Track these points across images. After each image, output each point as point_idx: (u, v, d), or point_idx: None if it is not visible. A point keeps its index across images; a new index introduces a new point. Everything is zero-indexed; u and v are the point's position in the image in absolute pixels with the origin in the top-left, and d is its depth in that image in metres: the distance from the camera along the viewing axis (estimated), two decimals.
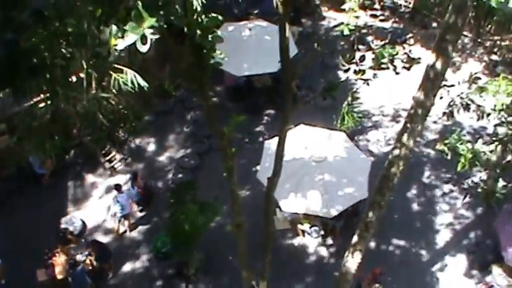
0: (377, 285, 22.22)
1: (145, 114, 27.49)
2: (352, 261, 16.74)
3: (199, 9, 11.42)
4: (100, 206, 26.09)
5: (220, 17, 11.76)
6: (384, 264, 23.20)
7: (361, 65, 32.23)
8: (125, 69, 11.52)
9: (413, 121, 13.17)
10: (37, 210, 25.49)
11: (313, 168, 23.37)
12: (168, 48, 12.00)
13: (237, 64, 27.76)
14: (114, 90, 12.53)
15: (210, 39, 11.39)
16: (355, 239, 16.34)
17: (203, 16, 11.51)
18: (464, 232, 25.33)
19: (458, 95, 21.20)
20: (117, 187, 24.54)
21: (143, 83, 12.18)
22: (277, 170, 14.85)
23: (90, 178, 27.30)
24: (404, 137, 13.56)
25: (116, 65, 11.87)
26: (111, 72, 11.45)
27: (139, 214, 26.03)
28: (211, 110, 13.55)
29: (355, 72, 31.79)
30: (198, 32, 11.34)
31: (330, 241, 25.02)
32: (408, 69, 32.01)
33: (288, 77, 14.20)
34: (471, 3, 12.15)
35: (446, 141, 21.76)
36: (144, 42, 7.75)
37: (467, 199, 24.75)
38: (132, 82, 11.93)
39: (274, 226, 15.81)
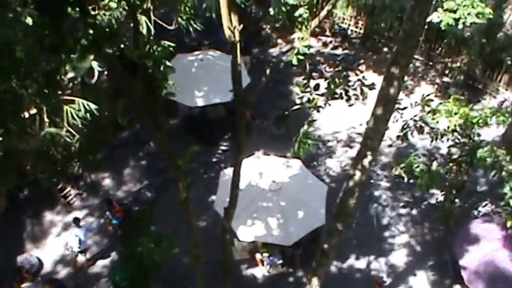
0: None
1: (100, 148, 27.22)
2: (315, 280, 16.63)
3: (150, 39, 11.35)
4: (57, 243, 25.58)
5: (172, 47, 11.69)
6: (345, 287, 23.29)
7: (316, 94, 32.32)
8: (76, 99, 11.32)
9: (367, 146, 13.16)
10: None
11: (270, 197, 23.32)
12: (121, 81, 11.89)
13: (190, 95, 27.72)
14: (67, 125, 12.30)
15: (161, 69, 11.29)
16: (314, 266, 16.25)
17: (155, 47, 11.42)
18: (423, 253, 25.42)
19: (412, 118, 21.38)
20: (76, 221, 24.12)
21: (96, 110, 11.94)
22: (233, 200, 14.74)
23: (47, 215, 26.77)
24: (360, 162, 13.54)
25: (67, 97, 11.66)
26: (63, 105, 11.23)
27: (100, 247, 25.62)
28: (165, 143, 13.40)
29: (309, 100, 31.85)
30: (150, 63, 11.23)
31: (289, 269, 24.86)
32: (361, 94, 32.16)
33: (240, 106, 14.15)
34: (421, 28, 12.22)
35: (402, 165, 21.92)
36: (91, 74, 7.62)
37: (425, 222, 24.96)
38: (85, 110, 11.66)
39: (233, 256, 15.64)
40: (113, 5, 12.76)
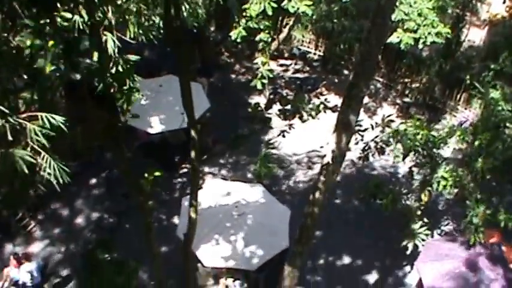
0: None
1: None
2: None
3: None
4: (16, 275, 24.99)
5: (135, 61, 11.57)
6: None
7: (268, 114, 32.46)
8: (38, 114, 10.93)
9: (328, 168, 13.14)
10: None
11: (233, 222, 23.15)
12: (80, 107, 11.69)
13: (150, 121, 27.55)
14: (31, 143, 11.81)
15: (126, 91, 11.18)
16: None
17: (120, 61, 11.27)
18: (389, 274, 25.45)
19: (373, 139, 21.48)
20: (27, 256, 23.62)
21: (62, 124, 11.46)
22: (191, 225, 14.58)
23: (6, 246, 26.15)
24: (320, 185, 13.51)
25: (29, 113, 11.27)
26: (24, 123, 10.83)
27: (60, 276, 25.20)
28: (128, 167, 13.21)
29: (261, 120, 32.00)
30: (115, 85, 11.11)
31: None
32: (321, 116, 32.34)
33: (194, 129, 14.05)
34: (378, 49, 12.26)
35: (365, 188, 22.01)
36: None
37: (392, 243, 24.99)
38: (50, 125, 11.19)
39: (195, 282, 15.45)
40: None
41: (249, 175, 28.08)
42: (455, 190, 20.30)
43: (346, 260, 26.06)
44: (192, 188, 14.75)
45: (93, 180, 29.17)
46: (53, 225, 27.13)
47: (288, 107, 30.34)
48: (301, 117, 31.45)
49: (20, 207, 25.72)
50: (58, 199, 27.89)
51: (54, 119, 10.76)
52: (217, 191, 24.60)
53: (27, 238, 26.39)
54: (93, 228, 27.03)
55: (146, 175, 12.43)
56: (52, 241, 26.47)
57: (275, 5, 17.32)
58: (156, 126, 27.89)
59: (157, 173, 12.94)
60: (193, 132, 14.26)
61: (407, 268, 25.27)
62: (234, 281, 24.35)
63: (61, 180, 11.11)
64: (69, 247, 26.26)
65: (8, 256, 25.46)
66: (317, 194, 13.61)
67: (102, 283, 20.96)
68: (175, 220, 25.59)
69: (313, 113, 32.00)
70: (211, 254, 22.80)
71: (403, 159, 21.03)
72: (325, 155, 13.33)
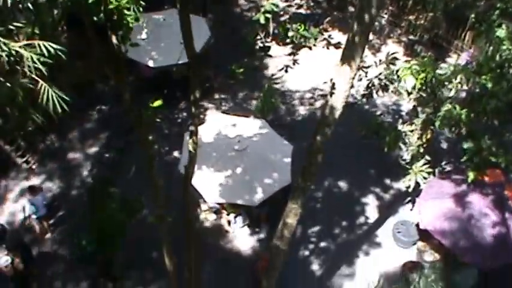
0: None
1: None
2: (280, 246, 16.55)
3: None
4: (16, 210, 25.14)
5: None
6: (312, 246, 23.51)
7: (266, 41, 32.24)
8: (36, 42, 10.73)
9: (331, 104, 12.99)
10: None
11: (235, 157, 23.18)
12: (81, 40, 11.50)
13: (152, 55, 27.34)
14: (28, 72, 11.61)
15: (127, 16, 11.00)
16: (280, 226, 16.15)
17: None
18: (390, 212, 25.60)
19: (377, 76, 21.28)
20: (31, 189, 23.69)
21: (60, 51, 11.24)
22: (191, 160, 14.47)
23: (7, 180, 26.35)
24: (324, 121, 13.37)
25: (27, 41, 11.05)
26: (22, 52, 10.64)
27: (63, 211, 25.38)
28: (129, 96, 12.98)
29: (260, 48, 31.80)
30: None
31: (256, 229, 24.88)
32: (325, 53, 32.08)
33: (193, 62, 13.84)
34: None
35: (368, 125, 21.88)
36: None
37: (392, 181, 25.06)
38: (48, 51, 10.99)
39: (194, 216, 15.43)
40: None
41: (252, 110, 27.94)
42: (458, 129, 20.15)
43: (347, 194, 26.24)
44: (192, 121, 14.56)
45: (95, 116, 29.08)
46: (53, 160, 27.19)
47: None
48: (298, 45, 31.26)
49: (18, 138, 25.63)
50: (59, 134, 27.93)
51: (52, 47, 10.57)
52: (219, 125, 24.56)
53: (28, 172, 26.44)
54: (94, 163, 27.09)
55: (149, 105, 12.25)
56: (52, 176, 26.61)
57: None
58: (157, 60, 27.67)
59: (158, 102, 12.74)
60: (192, 64, 14.00)
61: (409, 205, 25.33)
62: (235, 217, 24.49)
63: (60, 110, 10.92)
64: (70, 182, 26.40)
65: (8, 190, 25.62)
66: (320, 130, 13.47)
67: (104, 220, 21.00)
68: (177, 155, 25.57)
69: (311, 40, 31.85)
70: (213, 189, 22.84)
71: (409, 95, 20.83)
72: (328, 91, 13.15)
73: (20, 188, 25.21)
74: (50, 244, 24.41)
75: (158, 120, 12.34)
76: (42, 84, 10.72)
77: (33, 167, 26.70)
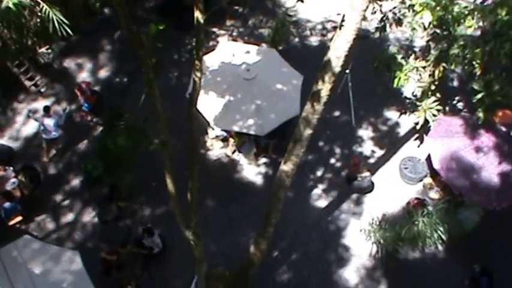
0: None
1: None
2: (284, 178, 16.52)
3: None
4: (27, 132, 25.25)
5: None
6: (315, 178, 23.85)
7: None
8: None
9: (341, 34, 12.80)
10: None
11: (245, 85, 23.07)
12: None
13: None
14: None
15: None
16: (286, 156, 16.08)
17: None
18: (397, 148, 25.57)
19: (391, 10, 20.95)
20: (45, 110, 23.62)
21: None
22: (196, 85, 14.28)
23: (15, 103, 26.29)
24: (334, 51, 13.20)
25: None
26: None
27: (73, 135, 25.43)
28: (128, 18, 12.66)
29: None
30: None
31: (262, 159, 24.90)
32: None
33: None
34: None
35: (380, 57, 21.62)
36: None
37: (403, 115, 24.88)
38: None
39: (199, 143, 15.32)
40: None
41: (263, 38, 27.67)
42: (471, 68, 19.89)
43: (352, 128, 26.12)
44: (196, 45, 14.31)
45: (106, 39, 28.81)
46: (62, 83, 27.08)
47: None
48: None
49: (26, 60, 25.45)
50: (69, 56, 27.75)
51: None
52: (229, 52, 24.38)
53: (37, 95, 26.43)
54: (104, 88, 26.97)
55: (149, 28, 12.04)
56: (60, 99, 26.57)
57: None
58: None
59: (160, 27, 12.50)
60: None
61: (416, 142, 25.21)
62: (242, 146, 24.44)
63: (65, 33, 10.78)
64: (96, 90, 26.56)
65: (17, 112, 25.58)
66: (329, 61, 13.29)
67: (111, 146, 21.06)
68: (186, 81, 25.45)
69: None
70: (221, 117, 22.81)
71: (425, 30, 20.49)
72: (340, 23, 12.93)
73: (28, 110, 25.05)
74: (59, 167, 24.50)
75: (159, 45, 12.07)
76: (42, 6, 10.54)
77: (42, 89, 26.57)
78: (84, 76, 27.30)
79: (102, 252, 21.36)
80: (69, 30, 10.75)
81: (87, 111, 25.31)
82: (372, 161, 25.16)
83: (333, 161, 25.17)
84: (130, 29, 12.14)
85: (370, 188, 24.02)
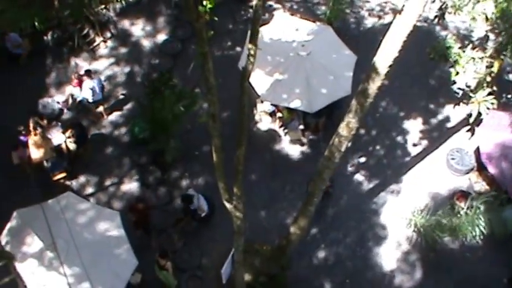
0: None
1: None
2: (331, 158, 16.37)
3: None
4: (74, 92, 25.03)
5: None
6: (362, 161, 24.07)
7: None
8: None
9: (401, 21, 12.54)
10: (13, 91, 24.89)
11: (298, 61, 22.92)
12: None
13: None
14: None
15: None
16: (334, 137, 15.90)
17: None
18: (446, 138, 25.18)
19: None
20: (88, 73, 23.85)
21: None
22: (249, 59, 14.13)
23: (70, 61, 26.43)
24: (392, 36, 12.93)
25: None
26: None
27: (121, 96, 25.63)
28: None
29: None
30: None
31: (309, 136, 24.79)
32: None
33: None
34: None
35: (436, 47, 21.25)
36: None
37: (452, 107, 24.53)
38: None
39: (247, 117, 15.18)
40: None
41: (319, 15, 27.39)
42: None
43: (403, 116, 25.85)
44: (254, 19, 14.14)
45: (163, 3, 28.73)
46: (118, 44, 27.22)
47: None
48: None
49: (86, 22, 25.60)
50: (126, 18, 27.79)
51: None
52: (284, 27, 24.19)
53: (91, 55, 26.54)
54: (157, 52, 26.97)
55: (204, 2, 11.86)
56: (116, 61, 26.72)
57: None
58: None
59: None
60: None
61: (467, 134, 24.79)
62: (291, 121, 24.31)
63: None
64: (131, 68, 26.48)
65: (70, 71, 25.73)
66: (386, 45, 13.03)
67: (160, 109, 21.09)
68: (239, 50, 25.34)
69: None
70: (271, 91, 22.71)
71: (487, 20, 20.06)
72: (401, 7, 12.66)
73: (83, 71, 25.18)
74: (105, 128, 24.71)
75: (215, 18, 11.91)
76: None
77: (99, 51, 26.72)
78: (138, 38, 27.41)
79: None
80: None
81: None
82: (419, 149, 24.83)
83: (378, 148, 24.93)
84: (189, 1, 12.02)
85: None
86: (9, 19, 13.81)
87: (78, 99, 24.19)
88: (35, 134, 22.16)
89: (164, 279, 20.16)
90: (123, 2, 25.58)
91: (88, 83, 23.57)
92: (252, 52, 13.95)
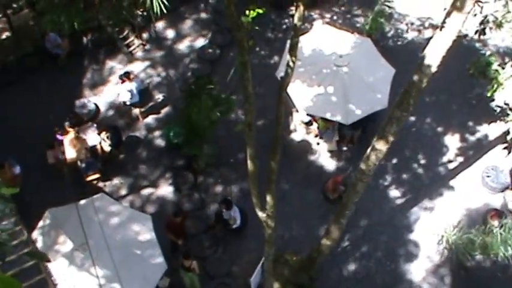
0: (342, 187, 22.44)
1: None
2: (365, 171, 16.29)
3: None
4: (113, 93, 25.57)
5: None
6: (394, 176, 23.61)
7: None
8: None
9: (443, 34, 12.47)
10: (51, 91, 25.14)
11: (335, 72, 22.87)
12: None
13: None
14: None
15: None
16: (369, 150, 15.84)
17: None
18: (481, 155, 24.88)
19: (492, 14, 20.41)
20: (126, 75, 23.94)
21: None
22: (289, 69, 14.14)
23: (108, 63, 26.73)
24: (432, 51, 12.87)
25: None
26: None
27: (157, 100, 25.72)
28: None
29: None
30: None
31: (343, 148, 24.69)
32: None
33: None
34: None
35: (476, 63, 21.10)
36: None
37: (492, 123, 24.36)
38: None
39: (283, 126, 15.15)
40: None
41: (358, 27, 27.31)
42: None
43: (437, 130, 25.63)
44: (294, 33, 14.15)
45: (202, 8, 28.88)
46: (156, 48, 27.37)
47: None
48: None
49: (126, 24, 25.81)
50: (165, 22, 27.94)
51: None
52: (322, 37, 24.16)
53: (129, 58, 26.73)
54: (194, 58, 27.05)
55: (247, 12, 11.89)
56: (152, 64, 26.85)
57: None
58: None
59: (259, 10, 12.32)
60: None
61: (504, 152, 24.50)
62: (325, 132, 24.27)
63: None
64: (168, 72, 26.60)
65: (108, 72, 25.95)
66: (426, 60, 12.97)
67: (196, 114, 21.15)
68: (277, 59, 25.34)
69: None
70: (308, 101, 22.69)
71: None
72: (442, 22, 12.58)
73: (121, 73, 25.36)
74: (140, 131, 24.82)
75: (256, 28, 11.93)
76: None
77: (137, 53, 26.92)
78: (176, 43, 27.53)
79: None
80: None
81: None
82: (454, 165, 24.59)
83: (413, 163, 24.74)
84: (231, 11, 12.07)
85: None
86: (49, 20, 13.98)
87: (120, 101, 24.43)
88: (71, 133, 22.34)
89: (189, 281, 20.16)
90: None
91: (126, 85, 23.72)
92: (291, 63, 13.95)
